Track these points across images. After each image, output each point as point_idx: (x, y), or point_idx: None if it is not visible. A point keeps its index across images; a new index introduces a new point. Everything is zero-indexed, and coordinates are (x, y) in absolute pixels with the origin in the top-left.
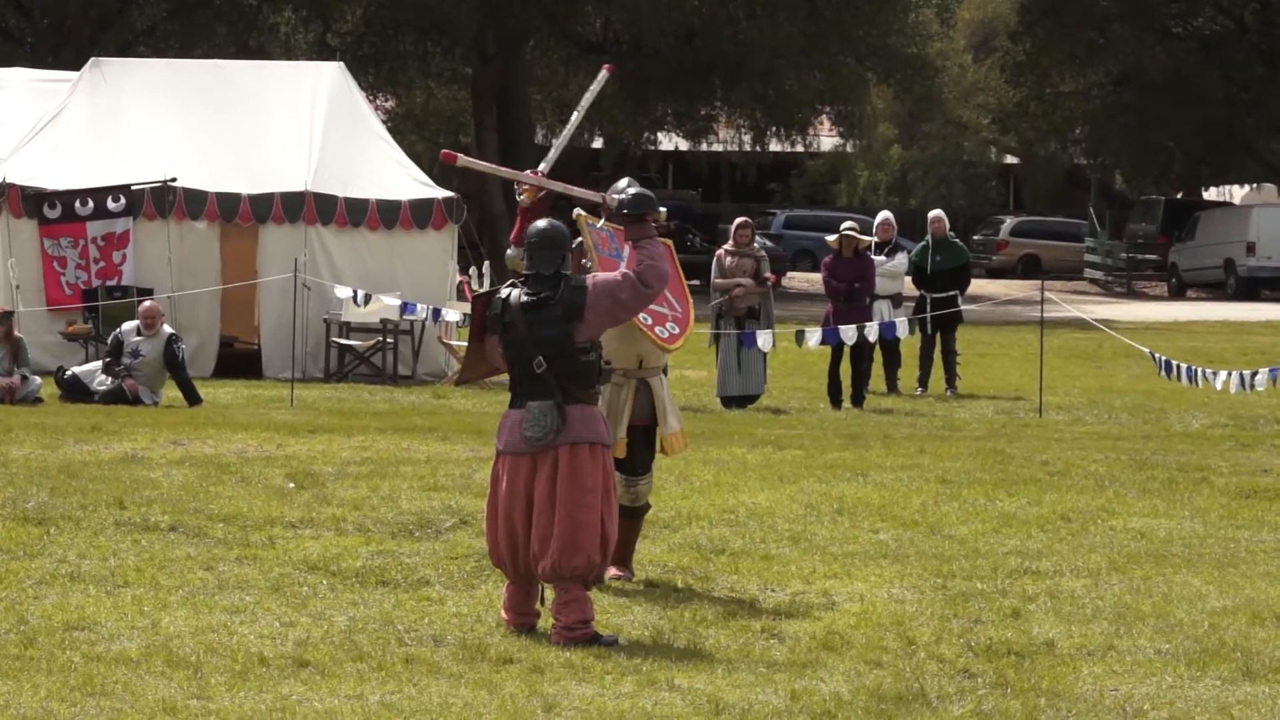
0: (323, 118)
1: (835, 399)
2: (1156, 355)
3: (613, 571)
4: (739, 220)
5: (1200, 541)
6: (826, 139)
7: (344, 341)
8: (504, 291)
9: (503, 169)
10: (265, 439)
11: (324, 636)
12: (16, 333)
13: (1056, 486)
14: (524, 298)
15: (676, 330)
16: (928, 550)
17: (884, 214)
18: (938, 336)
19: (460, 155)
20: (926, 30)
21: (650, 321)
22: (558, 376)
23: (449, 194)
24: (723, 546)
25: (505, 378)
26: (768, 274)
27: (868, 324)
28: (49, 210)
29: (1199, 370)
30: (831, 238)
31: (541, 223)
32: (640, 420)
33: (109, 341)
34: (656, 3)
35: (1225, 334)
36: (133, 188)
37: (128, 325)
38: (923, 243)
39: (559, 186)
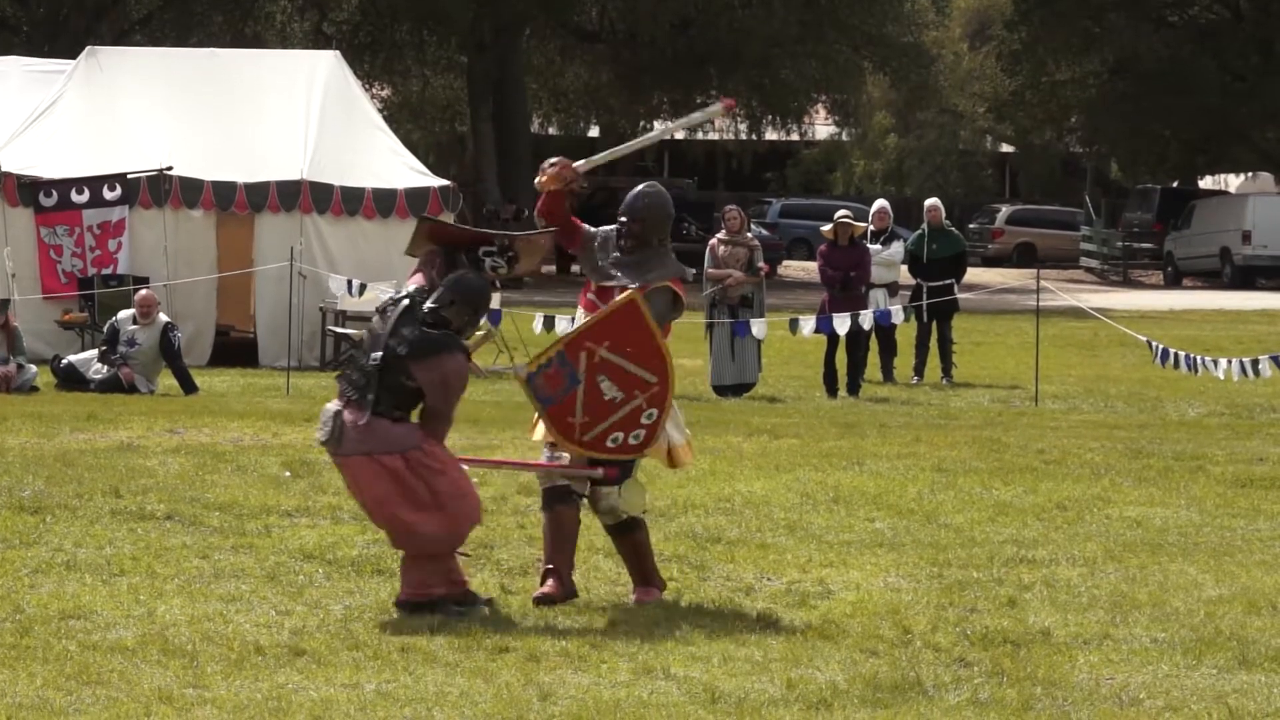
0: (319, 106)
1: (831, 388)
2: (1154, 343)
3: (639, 595)
4: (728, 207)
5: (1196, 530)
6: (822, 127)
7: (340, 330)
8: (410, 287)
9: (613, 151)
10: (261, 427)
11: (320, 625)
12: (13, 321)
13: (1052, 475)
14: (406, 302)
15: (641, 436)
16: (924, 539)
17: (879, 202)
18: (934, 325)
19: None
20: (922, 19)
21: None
22: (381, 383)
23: (445, 182)
24: (719, 535)
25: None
26: (761, 264)
27: (863, 312)
28: (45, 199)
29: (1198, 358)
30: (827, 227)
31: (474, 277)
32: None
33: (105, 330)
34: None
35: (1221, 323)
36: (129, 176)
37: (124, 314)
38: (919, 231)
39: (622, 151)
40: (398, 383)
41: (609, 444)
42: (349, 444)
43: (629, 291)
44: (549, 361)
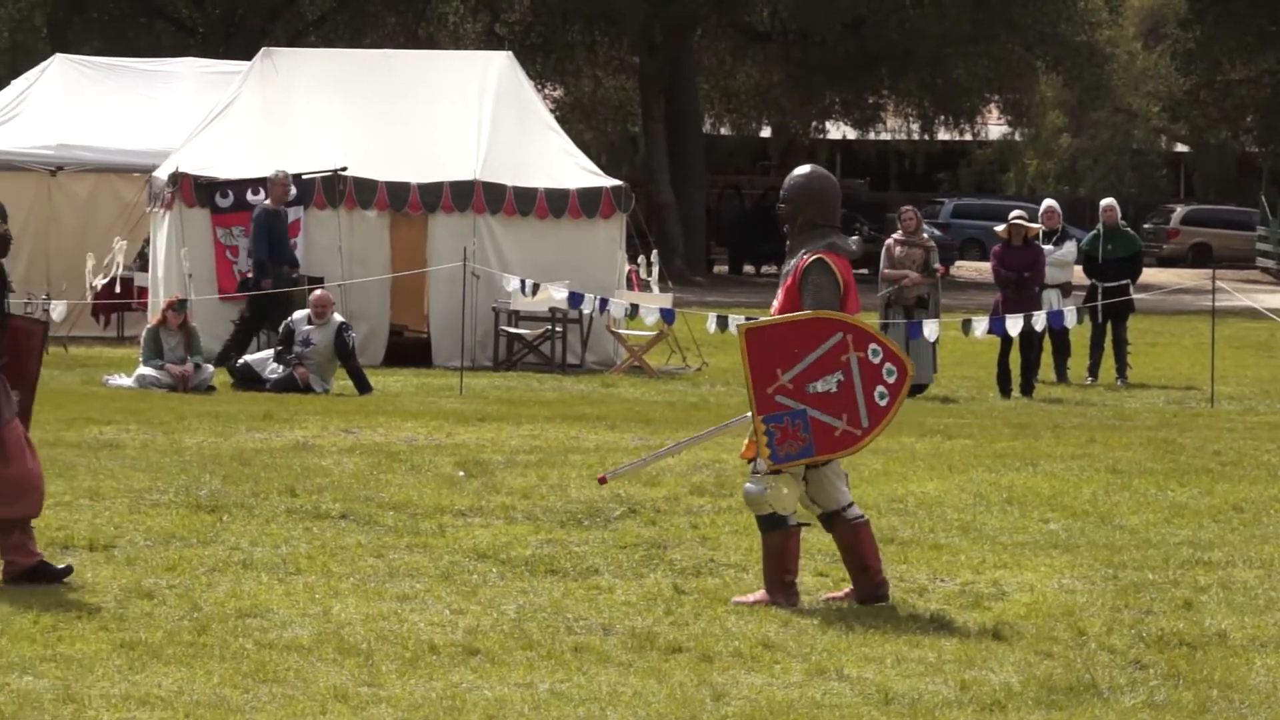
0: (491, 107)
1: (1004, 388)
2: None
3: (744, 597)
4: (904, 208)
5: None
6: (995, 127)
7: (513, 330)
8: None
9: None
10: (435, 427)
11: (494, 625)
12: (190, 321)
13: (1229, 476)
14: None
15: (894, 370)
16: (1098, 540)
17: (1048, 202)
18: (1109, 325)
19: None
20: (1095, 17)
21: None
22: None
23: (617, 183)
24: (891, 536)
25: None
26: (936, 265)
27: (1036, 313)
28: (221, 199)
29: None
30: (1000, 227)
31: None
32: None
33: (280, 330)
34: None
35: None
36: (304, 177)
37: (299, 314)
38: (1094, 231)
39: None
40: None
41: (880, 403)
42: None
43: (741, 329)
44: (766, 436)
